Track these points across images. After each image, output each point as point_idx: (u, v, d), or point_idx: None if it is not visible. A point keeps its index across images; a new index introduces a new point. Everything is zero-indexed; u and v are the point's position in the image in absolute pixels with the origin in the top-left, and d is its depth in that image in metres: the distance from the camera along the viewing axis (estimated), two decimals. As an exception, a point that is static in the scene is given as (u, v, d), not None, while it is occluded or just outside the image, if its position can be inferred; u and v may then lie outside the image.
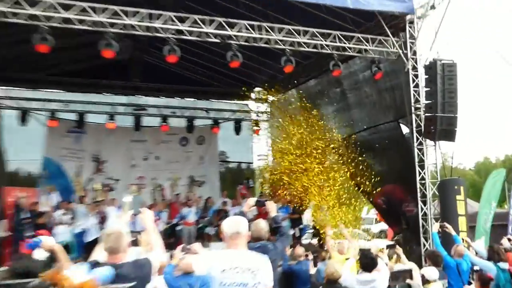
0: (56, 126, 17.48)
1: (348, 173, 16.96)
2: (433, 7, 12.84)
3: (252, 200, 6.07)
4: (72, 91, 17.95)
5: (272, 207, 5.94)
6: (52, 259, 5.08)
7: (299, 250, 9.62)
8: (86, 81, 17.68)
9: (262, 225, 5.19)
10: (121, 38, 11.87)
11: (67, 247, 13.11)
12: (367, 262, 6.23)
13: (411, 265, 7.53)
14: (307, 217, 14.78)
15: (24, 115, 17.20)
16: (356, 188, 17.21)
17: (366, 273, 6.16)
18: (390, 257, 8.25)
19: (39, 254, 10.88)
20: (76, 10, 10.61)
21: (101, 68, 16.09)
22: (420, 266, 9.07)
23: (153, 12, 11.36)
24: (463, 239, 9.84)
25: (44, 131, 17.60)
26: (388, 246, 9.09)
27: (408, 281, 4.82)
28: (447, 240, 9.05)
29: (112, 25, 11.03)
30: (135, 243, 6.21)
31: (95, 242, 11.48)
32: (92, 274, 2.46)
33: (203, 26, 11.65)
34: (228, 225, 4.29)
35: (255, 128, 20.07)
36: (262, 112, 20.39)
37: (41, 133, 17.60)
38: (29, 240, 12.33)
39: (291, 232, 14.47)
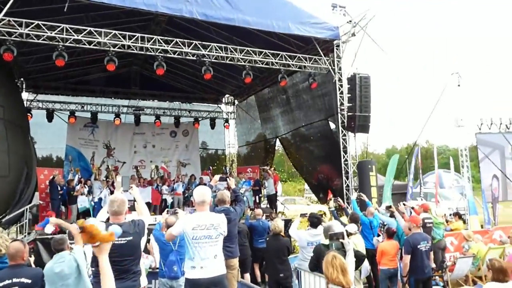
0: (74, 122, 16.95)
1: (292, 158, 16.91)
2: (353, 34, 12.71)
3: (217, 177, 6.09)
4: (86, 96, 17.40)
5: (231, 182, 5.97)
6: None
7: (258, 211, 9.63)
8: (97, 88, 17.12)
9: (226, 194, 5.37)
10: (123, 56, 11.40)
11: (87, 212, 12.77)
12: (315, 221, 6.21)
13: (337, 223, 7.39)
14: (267, 189, 14.56)
15: (50, 114, 16.65)
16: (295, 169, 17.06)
17: (314, 229, 6.11)
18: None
19: (48, 229, 10.36)
20: (85, 33, 10.28)
21: (109, 78, 15.60)
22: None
23: (145, 35, 11.01)
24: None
25: (66, 126, 16.96)
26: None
27: (341, 240, 4.74)
28: (362, 205, 8.95)
29: (114, 45, 10.65)
30: (132, 209, 5.88)
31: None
32: (111, 229, 2.26)
33: (183, 47, 11.36)
34: (197, 195, 4.24)
35: (226, 124, 19.85)
36: (230, 112, 20.28)
37: (64, 127, 16.95)
38: (40, 223, 11.74)
39: (253, 199, 14.29)
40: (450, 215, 12.31)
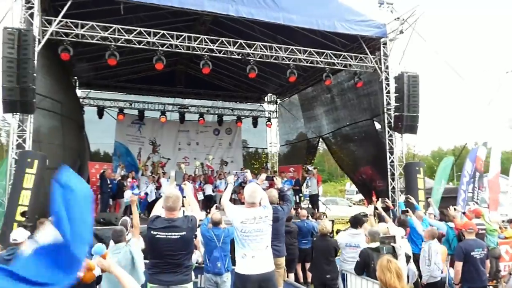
0: (123, 119, 17.57)
1: (336, 157, 16.69)
2: (401, 32, 12.28)
3: (263, 176, 6.30)
4: (134, 94, 17.93)
5: (278, 181, 6.01)
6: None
7: (304, 211, 9.25)
8: (145, 87, 17.57)
9: (274, 193, 5.47)
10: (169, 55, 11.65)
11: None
12: (355, 221, 6.24)
13: (383, 227, 7.22)
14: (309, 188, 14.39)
15: (100, 111, 17.27)
16: (341, 169, 16.73)
17: (354, 229, 6.11)
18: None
19: (127, 194, 11.21)
20: (135, 34, 10.62)
21: (155, 77, 16.00)
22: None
23: (192, 35, 11.21)
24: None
25: (114, 122, 17.66)
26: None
27: (392, 244, 4.63)
28: (410, 208, 8.45)
29: (162, 45, 10.93)
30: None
31: (153, 202, 11.37)
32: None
33: (228, 46, 11.46)
34: (248, 195, 4.21)
35: (268, 123, 19.87)
36: (273, 111, 20.28)
37: (111, 124, 17.63)
38: (135, 188, 12.46)
39: (294, 198, 14.19)
40: (503, 221, 11.66)
